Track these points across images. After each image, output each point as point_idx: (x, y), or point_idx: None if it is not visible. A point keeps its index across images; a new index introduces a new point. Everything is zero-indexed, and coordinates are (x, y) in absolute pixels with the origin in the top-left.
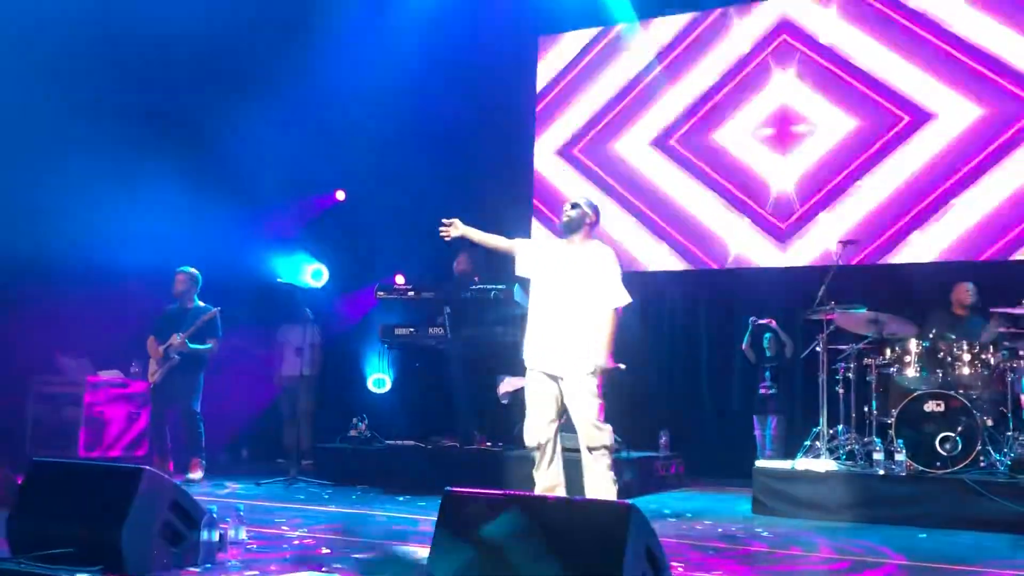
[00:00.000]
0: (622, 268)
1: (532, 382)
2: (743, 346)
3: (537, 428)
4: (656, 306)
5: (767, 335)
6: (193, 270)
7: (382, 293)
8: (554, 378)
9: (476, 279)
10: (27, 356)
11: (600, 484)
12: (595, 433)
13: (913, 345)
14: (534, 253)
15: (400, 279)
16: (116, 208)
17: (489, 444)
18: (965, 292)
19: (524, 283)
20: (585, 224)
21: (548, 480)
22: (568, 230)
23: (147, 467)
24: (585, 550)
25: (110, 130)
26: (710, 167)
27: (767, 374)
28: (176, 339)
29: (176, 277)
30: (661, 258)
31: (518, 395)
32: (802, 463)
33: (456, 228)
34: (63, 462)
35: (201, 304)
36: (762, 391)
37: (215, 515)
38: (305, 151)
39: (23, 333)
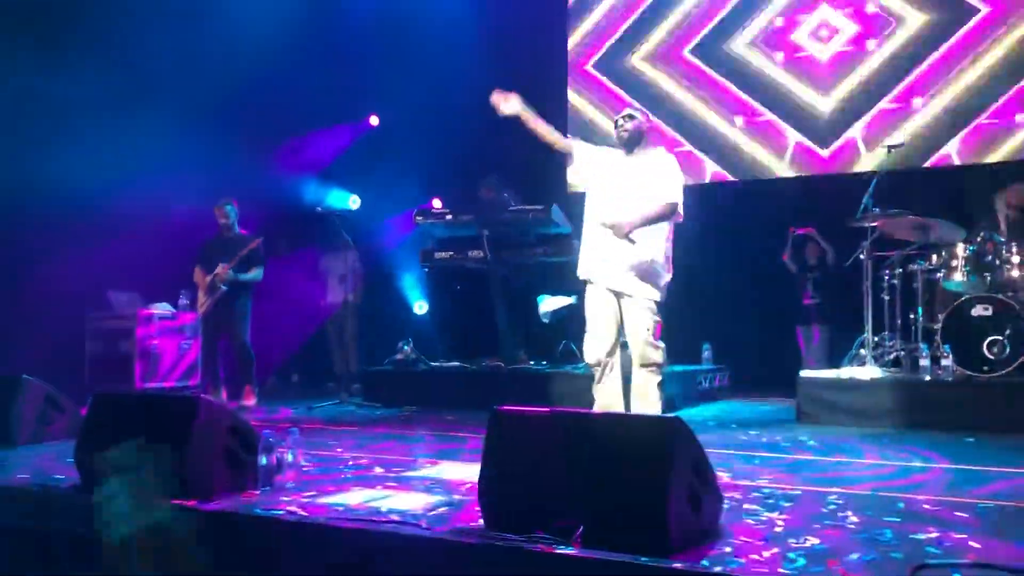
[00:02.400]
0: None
1: (593, 298)
2: (784, 256)
3: (599, 345)
4: (698, 218)
5: (806, 243)
6: (233, 201)
7: (420, 218)
8: (616, 294)
9: (508, 201)
10: (81, 293)
11: (647, 400)
12: (650, 351)
13: (960, 249)
14: (594, 159)
15: (437, 203)
16: (161, 144)
17: (532, 363)
18: (1016, 195)
19: (562, 203)
20: (644, 133)
21: (607, 397)
22: (629, 144)
23: (204, 395)
24: (632, 464)
25: (148, 72)
26: (753, 75)
27: (809, 284)
28: (221, 270)
29: (217, 209)
30: (703, 169)
31: (559, 314)
32: (847, 371)
33: (510, 104)
34: (123, 394)
35: (244, 233)
36: (805, 301)
37: (271, 439)
38: (338, 77)
39: (76, 271)
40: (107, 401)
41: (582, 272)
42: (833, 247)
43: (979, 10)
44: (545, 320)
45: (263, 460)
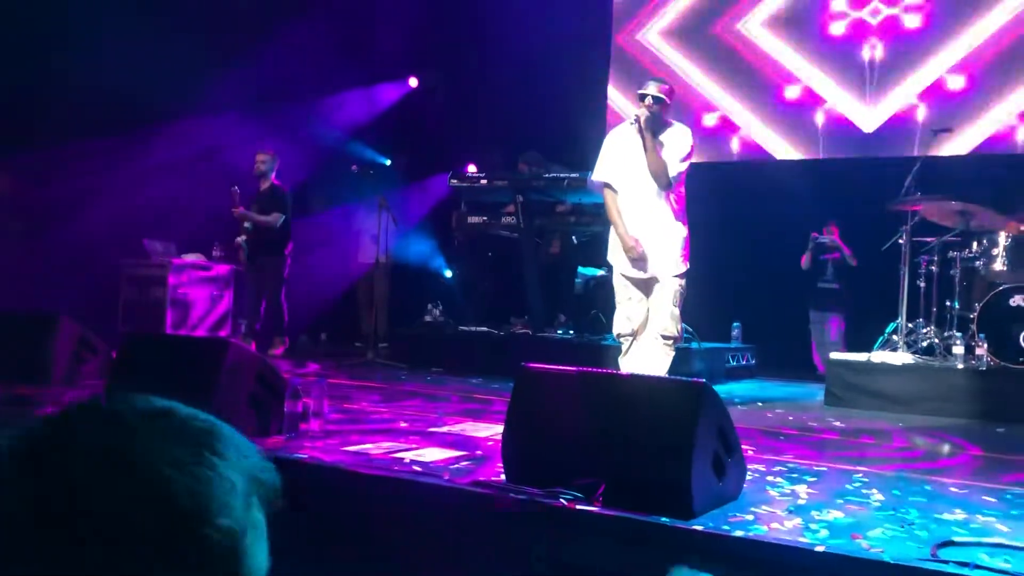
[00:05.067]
0: (698, 158)
1: (621, 281)
2: (803, 260)
3: (629, 317)
4: (733, 197)
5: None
6: (270, 151)
7: (455, 181)
8: (645, 279)
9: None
10: (118, 240)
11: (661, 370)
12: (671, 324)
13: (1002, 238)
14: (616, 159)
15: (472, 168)
16: (201, 95)
17: (560, 332)
18: None
19: None
20: (664, 113)
21: (634, 367)
22: (651, 124)
23: (232, 340)
24: (657, 426)
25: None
26: (795, 51)
27: (829, 267)
28: (236, 213)
29: (255, 157)
30: (741, 148)
31: (590, 284)
32: (878, 355)
33: (640, 121)
34: (153, 335)
35: (275, 183)
36: (822, 284)
37: (298, 387)
38: (379, 38)
39: (114, 218)
40: (138, 342)
41: (611, 258)
42: (854, 252)
43: None
44: (577, 290)
45: (289, 406)
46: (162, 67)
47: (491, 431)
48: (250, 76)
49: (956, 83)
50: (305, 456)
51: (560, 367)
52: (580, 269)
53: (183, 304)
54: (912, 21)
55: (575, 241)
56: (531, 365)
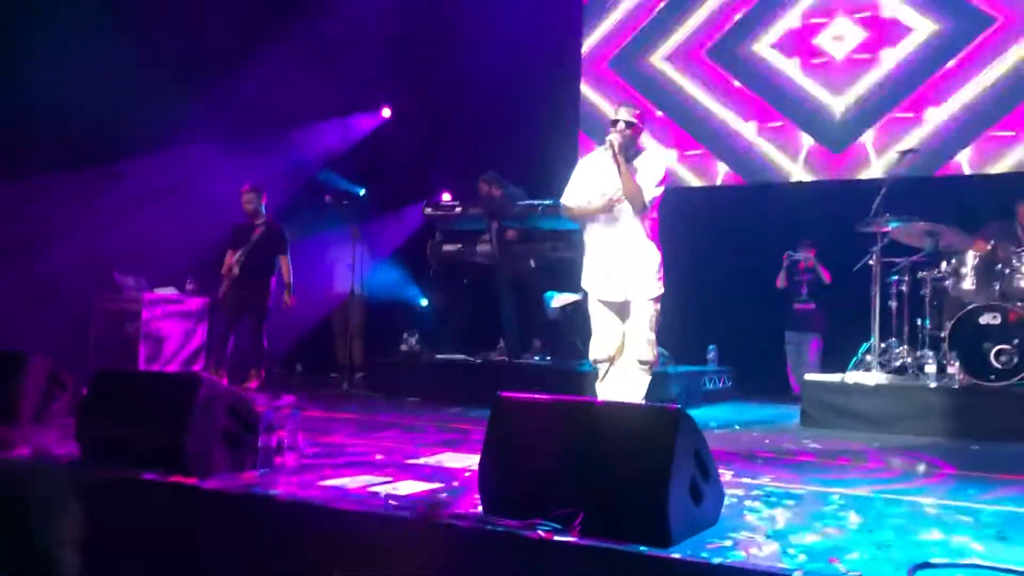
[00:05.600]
0: (674, 182)
1: (597, 307)
2: (778, 282)
3: (605, 342)
4: (707, 221)
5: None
6: (256, 187)
7: (429, 210)
8: (620, 303)
9: (509, 196)
10: (89, 274)
11: (637, 395)
12: (647, 349)
13: (970, 257)
14: (589, 183)
15: (447, 196)
16: (174, 127)
17: (537, 358)
18: None
19: None
20: (636, 138)
21: (609, 395)
22: (625, 151)
23: (204, 374)
24: (633, 453)
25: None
26: (767, 78)
27: (804, 288)
28: (231, 258)
29: (242, 197)
30: (713, 172)
31: (566, 310)
32: (852, 376)
33: (614, 144)
34: (123, 371)
35: (272, 223)
36: (797, 306)
37: (272, 421)
38: (352, 70)
39: (85, 252)
40: (108, 378)
41: (586, 284)
42: (831, 271)
43: (994, 19)
44: (552, 316)
45: (263, 441)
46: (133, 99)
47: (469, 461)
48: (222, 107)
49: (922, 110)
50: (280, 492)
51: (535, 396)
52: (555, 293)
53: (156, 339)
54: (882, 53)
55: (550, 266)
56: (506, 394)
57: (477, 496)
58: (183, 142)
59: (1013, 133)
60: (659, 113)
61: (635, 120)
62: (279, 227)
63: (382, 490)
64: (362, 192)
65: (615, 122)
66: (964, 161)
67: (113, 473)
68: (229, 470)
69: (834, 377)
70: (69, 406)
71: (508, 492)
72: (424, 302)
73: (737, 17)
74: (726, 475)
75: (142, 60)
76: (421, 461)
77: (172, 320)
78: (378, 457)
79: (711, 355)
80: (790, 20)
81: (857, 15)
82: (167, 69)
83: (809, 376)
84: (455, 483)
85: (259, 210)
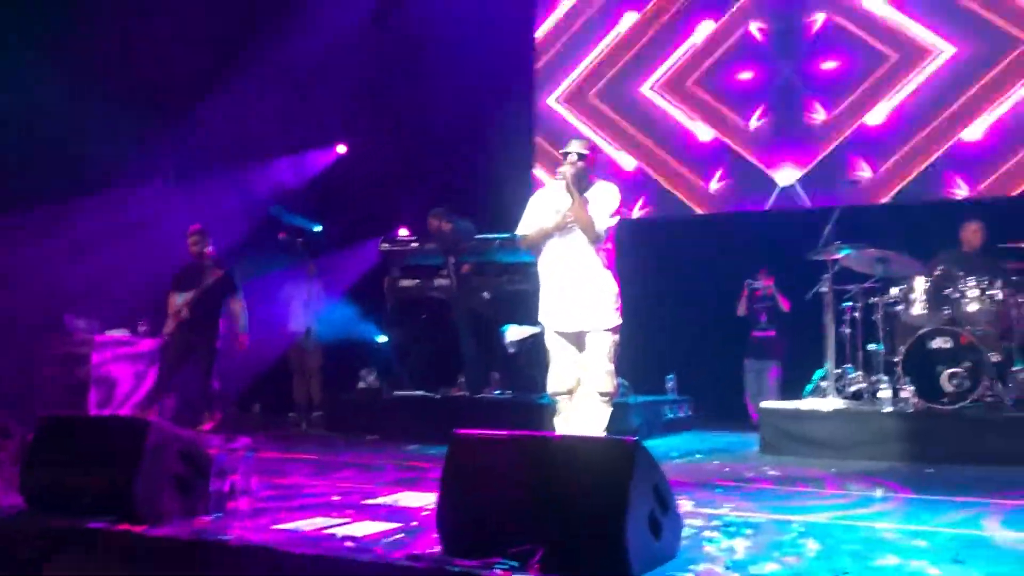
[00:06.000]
0: (629, 214)
1: (555, 339)
2: (739, 311)
3: (564, 375)
4: (663, 251)
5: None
6: (202, 228)
7: (385, 245)
8: (576, 334)
9: (459, 230)
10: (37, 317)
11: (598, 427)
12: (606, 380)
13: (920, 283)
14: (543, 214)
15: (404, 232)
16: (126, 167)
17: (497, 392)
18: (974, 232)
19: None
20: (588, 170)
21: (568, 428)
22: (577, 182)
23: (154, 418)
24: (591, 488)
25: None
26: (719, 109)
27: (764, 314)
28: (182, 302)
29: (188, 237)
30: (670, 203)
31: (524, 344)
32: (809, 402)
33: (567, 175)
34: (70, 416)
35: (214, 260)
36: (756, 333)
37: (225, 465)
38: (307, 106)
39: (34, 295)
40: (54, 424)
41: (543, 317)
42: (789, 299)
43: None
44: (511, 350)
45: (215, 485)
46: (83, 138)
47: (427, 500)
48: (176, 145)
49: (871, 133)
50: (232, 536)
51: (491, 432)
52: (511, 325)
53: (107, 382)
54: (828, 66)
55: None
56: (462, 432)
57: (435, 535)
58: (136, 181)
59: (953, 158)
60: (615, 145)
61: (586, 152)
62: (228, 269)
63: (339, 531)
64: (318, 228)
65: (566, 154)
66: (913, 188)
67: (58, 523)
68: (180, 516)
69: (790, 404)
70: (14, 455)
71: (466, 531)
72: (382, 338)
73: (678, 53)
74: (686, 505)
75: (93, 99)
76: (379, 501)
77: (124, 363)
78: (335, 498)
79: (670, 384)
80: (719, 54)
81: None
82: (118, 108)
83: (766, 404)
84: (413, 523)
85: (205, 252)
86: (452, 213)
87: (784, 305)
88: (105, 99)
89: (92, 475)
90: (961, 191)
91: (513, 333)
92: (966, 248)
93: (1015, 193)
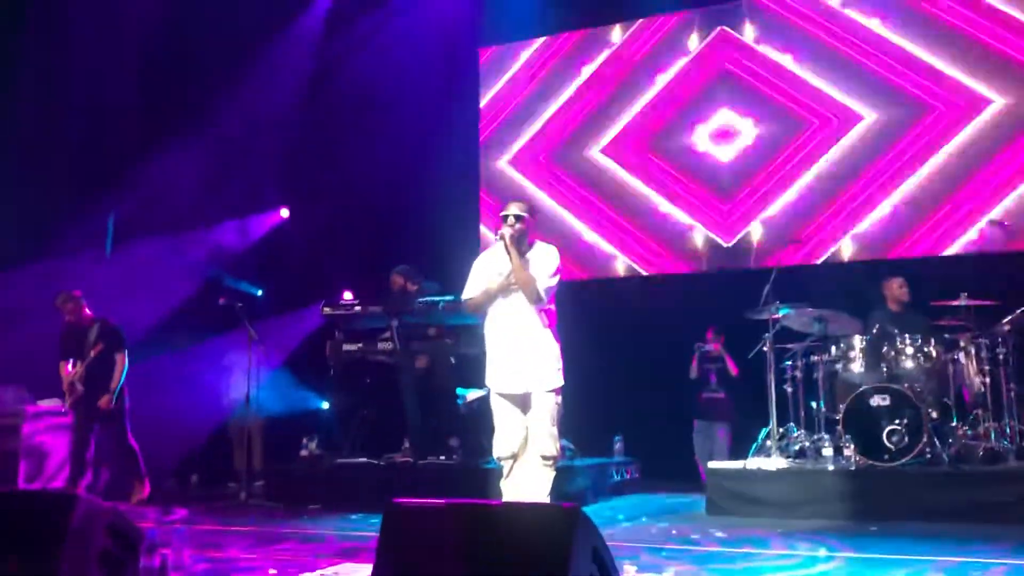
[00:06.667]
0: (573, 275)
1: (499, 402)
2: (692, 374)
3: (509, 439)
4: (609, 311)
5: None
6: (72, 292)
7: (328, 309)
8: (521, 395)
9: (414, 293)
10: None
11: (542, 491)
12: (550, 443)
13: (857, 341)
14: (485, 278)
15: (348, 295)
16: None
17: (443, 458)
18: (899, 288)
19: None
20: (528, 231)
21: (515, 492)
22: (517, 244)
23: (80, 492)
24: (531, 554)
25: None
26: (660, 171)
27: (714, 374)
28: (75, 374)
29: (58, 304)
30: (611, 264)
31: (472, 407)
32: (753, 462)
33: (505, 237)
34: None
35: (91, 319)
36: (705, 395)
37: (156, 539)
38: (248, 170)
39: None
40: None
41: (489, 381)
42: (735, 358)
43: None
44: (465, 411)
45: (145, 561)
46: (15, 208)
47: (367, 571)
48: (112, 211)
49: (803, 200)
50: None
51: (428, 501)
52: (459, 390)
53: (39, 454)
54: (761, 148)
55: (453, 363)
56: (399, 500)
57: None
58: (68, 250)
59: (888, 219)
60: (562, 206)
61: (524, 214)
62: (113, 325)
63: None
64: (259, 293)
65: (505, 217)
66: (848, 247)
67: None
68: None
69: (736, 464)
70: None
71: None
72: (325, 404)
73: (626, 118)
74: (630, 570)
75: (22, 169)
76: (317, 573)
77: (55, 434)
78: (272, 572)
79: (617, 446)
80: (675, 119)
81: (740, 112)
82: (55, 177)
83: (712, 464)
84: None
85: (82, 314)
86: (418, 274)
87: (733, 370)
88: (43, 167)
89: (12, 556)
90: (892, 252)
91: (471, 396)
92: (893, 306)
93: (945, 253)
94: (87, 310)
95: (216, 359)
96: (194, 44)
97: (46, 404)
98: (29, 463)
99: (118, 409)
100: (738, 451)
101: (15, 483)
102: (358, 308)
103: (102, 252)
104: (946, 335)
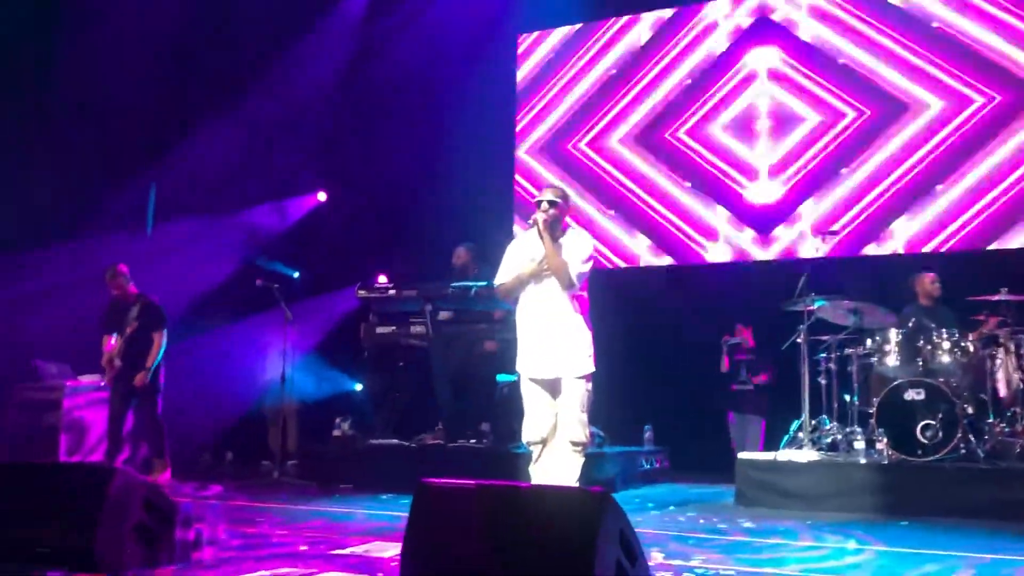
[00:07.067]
0: (605, 264)
1: (529, 386)
2: (724, 368)
3: (538, 424)
4: (641, 301)
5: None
6: (119, 266)
7: (363, 292)
8: (551, 381)
9: (475, 272)
10: (6, 363)
11: (571, 477)
12: (579, 430)
13: (893, 335)
14: (517, 263)
15: (383, 279)
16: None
17: (474, 441)
18: (931, 283)
19: None
20: (562, 217)
21: (543, 476)
22: (551, 229)
23: (119, 466)
24: (558, 537)
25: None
26: (692, 162)
27: (743, 368)
28: (115, 348)
29: (108, 279)
30: (645, 254)
31: (503, 392)
32: (784, 454)
33: (539, 222)
34: (26, 464)
35: (135, 295)
36: (737, 387)
37: (191, 513)
38: (287, 153)
39: (4, 341)
40: (11, 472)
41: (519, 366)
42: (764, 352)
43: (908, 106)
44: (500, 395)
45: (180, 534)
46: (56, 185)
47: (396, 550)
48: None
49: (844, 191)
50: None
51: (457, 481)
52: (499, 376)
53: (79, 428)
54: (799, 137)
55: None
56: (429, 480)
57: None
58: (109, 228)
59: (926, 214)
60: (594, 195)
61: (558, 200)
62: (154, 303)
63: None
64: (296, 275)
65: (539, 203)
66: (886, 241)
67: (14, 573)
68: (143, 566)
69: (767, 456)
70: None
71: None
72: (358, 386)
73: (663, 102)
74: (657, 557)
75: (66, 146)
76: (347, 551)
77: (96, 408)
78: (303, 548)
79: (647, 435)
80: (710, 105)
81: (776, 115)
82: (93, 156)
83: (742, 455)
84: (379, 574)
85: (127, 290)
86: (482, 256)
87: (725, 365)
88: (82, 146)
89: (52, 524)
90: (934, 244)
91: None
92: (925, 301)
93: (990, 247)
94: (132, 286)
95: (252, 339)
96: (237, 23)
97: (86, 379)
98: (69, 437)
99: (152, 387)
100: (770, 443)
101: (56, 456)
102: (392, 291)
103: (143, 230)
104: (984, 331)
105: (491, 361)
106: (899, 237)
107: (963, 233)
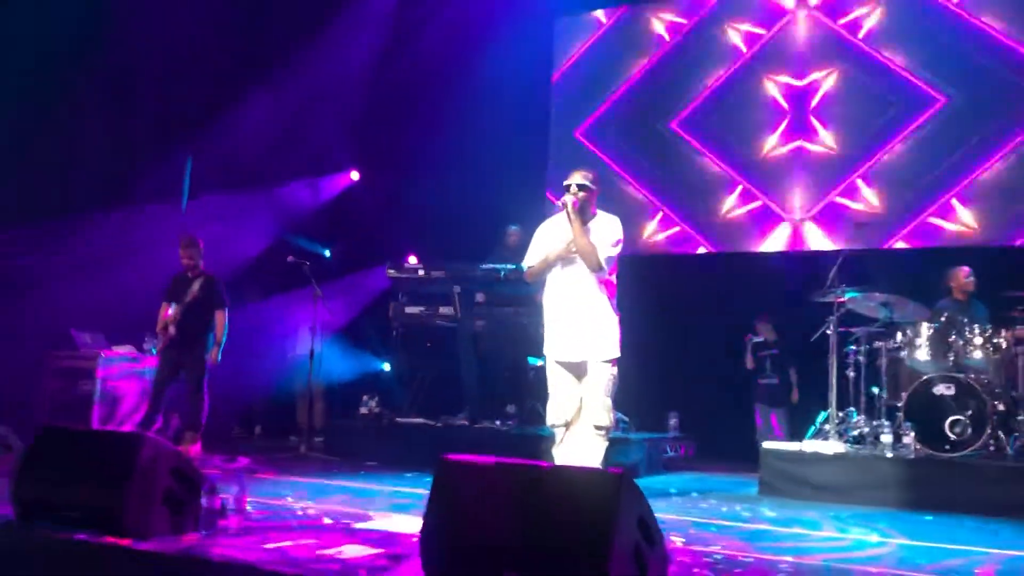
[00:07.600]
0: (634, 250)
1: (555, 369)
2: (748, 365)
3: (563, 407)
4: (669, 288)
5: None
6: (195, 239)
7: (392, 272)
8: (577, 364)
9: (509, 256)
10: (44, 332)
11: (594, 461)
12: (603, 414)
13: (924, 328)
14: (546, 245)
15: (413, 259)
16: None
17: (499, 423)
18: (965, 278)
19: None
20: (591, 201)
21: (567, 459)
22: (580, 213)
23: (148, 434)
24: (577, 516)
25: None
26: (724, 150)
27: (767, 363)
28: (172, 315)
29: (181, 249)
30: (674, 240)
31: (529, 375)
32: (810, 445)
33: (568, 204)
34: (66, 429)
35: (210, 275)
36: (762, 380)
37: (217, 483)
38: (320, 132)
39: (41, 309)
40: (49, 437)
41: (546, 348)
42: (789, 343)
43: (937, 100)
44: (529, 377)
45: (206, 503)
46: (94, 155)
47: (418, 527)
48: (188, 166)
49: (876, 182)
50: (217, 554)
51: (478, 458)
52: (530, 359)
53: (112, 398)
54: (834, 127)
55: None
56: (450, 457)
57: (420, 561)
58: (147, 200)
59: (957, 206)
60: (626, 179)
61: (588, 183)
62: (218, 280)
63: (324, 554)
64: (327, 253)
65: (568, 186)
66: (919, 234)
67: (43, 534)
68: (169, 532)
69: (792, 446)
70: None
71: (450, 558)
72: (386, 365)
73: (704, 91)
74: (677, 542)
75: (105, 117)
76: (369, 526)
77: (129, 379)
78: (326, 521)
79: (672, 422)
80: (760, 95)
81: (809, 105)
82: (131, 128)
83: (767, 444)
84: (400, 549)
85: (197, 263)
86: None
87: (750, 363)
88: (118, 120)
89: (83, 488)
90: (967, 239)
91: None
92: (959, 295)
93: (1020, 242)
94: (202, 260)
95: (282, 316)
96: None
97: (120, 350)
98: (102, 407)
99: (201, 362)
100: (796, 435)
101: (89, 424)
102: (422, 272)
103: (178, 204)
104: (1018, 327)
105: (520, 343)
106: (932, 231)
107: (990, 227)
